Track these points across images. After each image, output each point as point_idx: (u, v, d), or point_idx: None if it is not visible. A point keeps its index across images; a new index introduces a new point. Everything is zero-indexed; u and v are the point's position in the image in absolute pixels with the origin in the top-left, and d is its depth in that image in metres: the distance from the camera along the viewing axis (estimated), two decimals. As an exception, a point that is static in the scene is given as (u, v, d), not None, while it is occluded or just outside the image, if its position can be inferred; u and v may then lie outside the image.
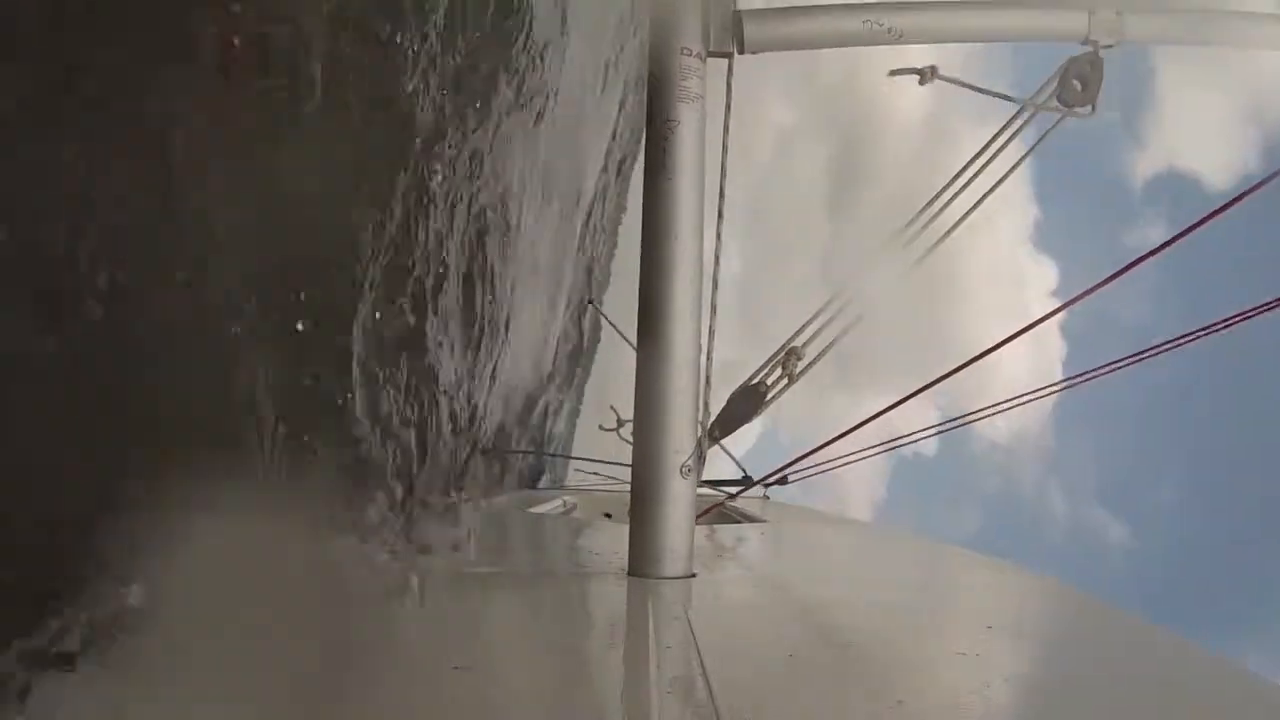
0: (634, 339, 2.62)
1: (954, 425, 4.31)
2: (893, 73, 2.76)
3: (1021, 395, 3.36)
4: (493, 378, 6.35)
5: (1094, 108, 2.73)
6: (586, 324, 12.40)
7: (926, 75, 2.74)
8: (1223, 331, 2.93)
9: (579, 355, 12.78)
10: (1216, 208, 2.48)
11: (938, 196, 2.73)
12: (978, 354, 2.92)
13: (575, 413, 14.22)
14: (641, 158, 2.70)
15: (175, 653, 1.57)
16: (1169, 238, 2.67)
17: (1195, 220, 2.73)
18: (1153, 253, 2.66)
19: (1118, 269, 2.85)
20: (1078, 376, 3.30)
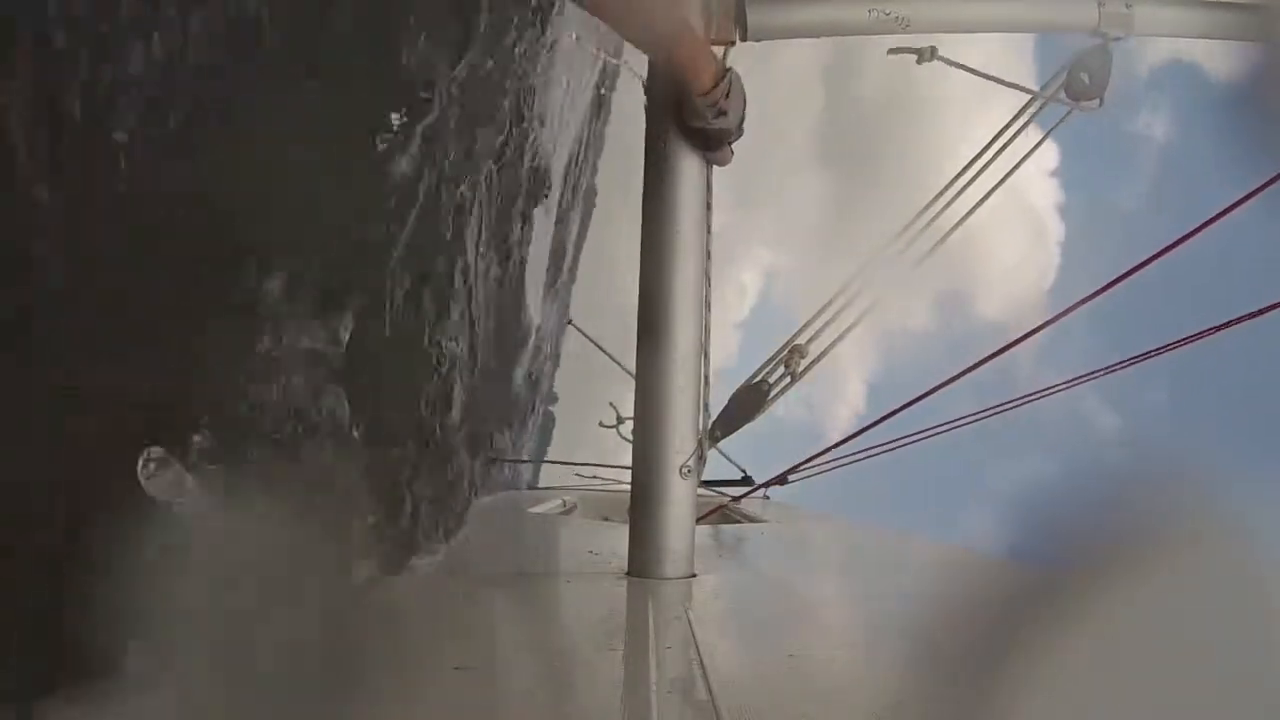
0: (615, 354, 2.59)
1: (955, 426, 4.27)
2: (891, 51, 2.73)
3: (1029, 394, 3.31)
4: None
5: (1101, 101, 2.70)
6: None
7: (925, 55, 2.70)
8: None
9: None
10: (1240, 196, 2.44)
11: (944, 191, 2.70)
12: (988, 354, 2.88)
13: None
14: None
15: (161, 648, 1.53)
16: (1181, 234, 2.64)
17: (1205, 219, 2.70)
18: (1178, 242, 2.62)
19: (1128, 268, 2.81)
20: (1087, 375, 3.25)
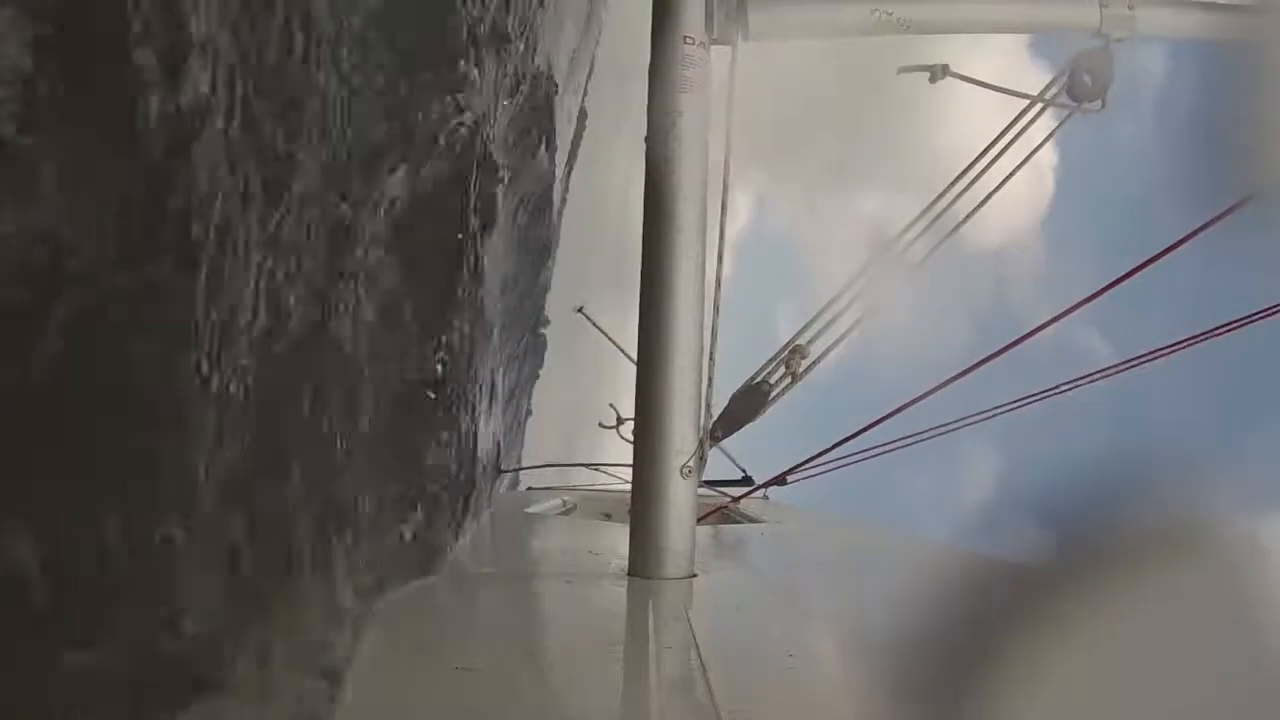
0: (622, 343, 2.59)
1: (957, 426, 4.26)
2: (901, 70, 2.73)
3: (1028, 396, 3.31)
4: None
5: (1104, 103, 2.70)
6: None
7: (937, 73, 2.71)
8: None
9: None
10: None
11: (945, 192, 2.70)
12: (991, 352, 2.88)
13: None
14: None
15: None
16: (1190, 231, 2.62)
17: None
18: (1180, 243, 2.61)
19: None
20: (1085, 377, 3.25)
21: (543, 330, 13.55)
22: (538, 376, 14.27)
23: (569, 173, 13.63)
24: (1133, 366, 3.16)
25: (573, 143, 13.30)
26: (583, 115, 13.63)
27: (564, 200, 13.37)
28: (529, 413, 14.11)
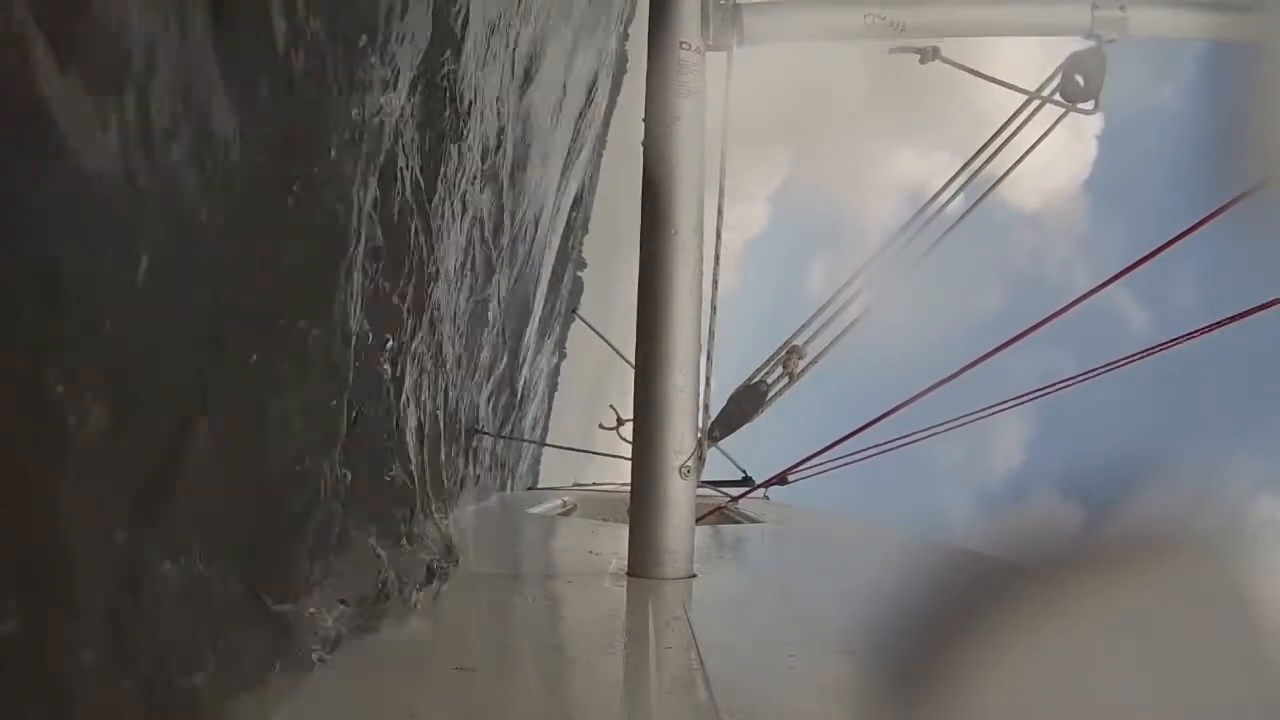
0: (619, 346, 2.61)
1: (955, 425, 4.26)
2: (893, 50, 2.74)
3: (1029, 393, 3.31)
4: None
5: (1097, 103, 2.71)
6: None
7: (927, 55, 2.71)
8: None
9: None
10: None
11: (939, 193, 2.72)
12: (991, 349, 2.88)
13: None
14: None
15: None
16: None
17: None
18: (1185, 234, 2.61)
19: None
20: (1084, 374, 3.25)
21: (580, 273, 13.11)
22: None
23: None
24: (1134, 361, 3.15)
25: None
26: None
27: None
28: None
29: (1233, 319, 2.98)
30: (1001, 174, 2.79)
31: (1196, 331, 3.05)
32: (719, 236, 2.64)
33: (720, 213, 2.68)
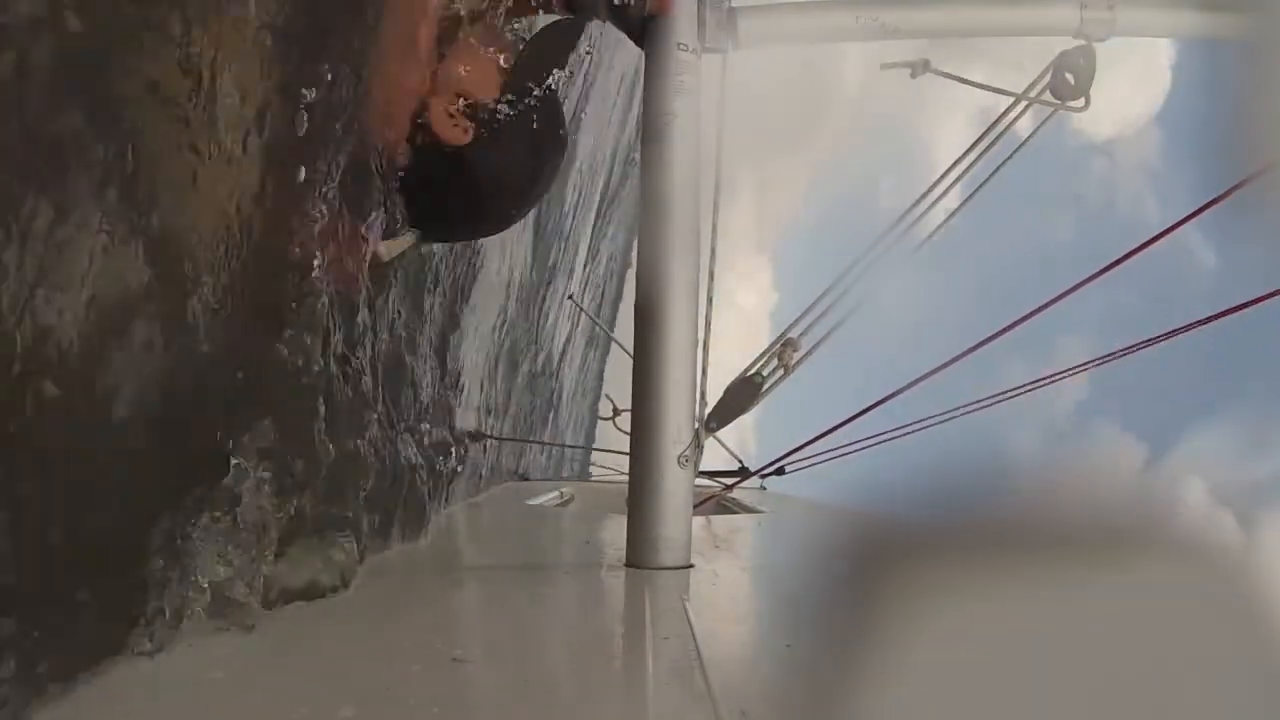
0: (615, 333, 2.64)
1: (955, 415, 4.24)
2: (884, 66, 2.78)
3: (1028, 383, 3.30)
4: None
5: (1087, 101, 2.74)
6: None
7: (918, 69, 2.76)
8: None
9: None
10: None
11: (931, 188, 2.74)
12: (988, 336, 2.89)
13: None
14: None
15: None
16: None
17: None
18: (1181, 223, 2.62)
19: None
20: (1086, 364, 3.25)
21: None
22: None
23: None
24: (1138, 350, 3.14)
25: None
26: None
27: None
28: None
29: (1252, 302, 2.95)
30: (990, 172, 2.81)
31: (1212, 317, 3.02)
32: (715, 230, 2.68)
33: (716, 208, 2.72)
